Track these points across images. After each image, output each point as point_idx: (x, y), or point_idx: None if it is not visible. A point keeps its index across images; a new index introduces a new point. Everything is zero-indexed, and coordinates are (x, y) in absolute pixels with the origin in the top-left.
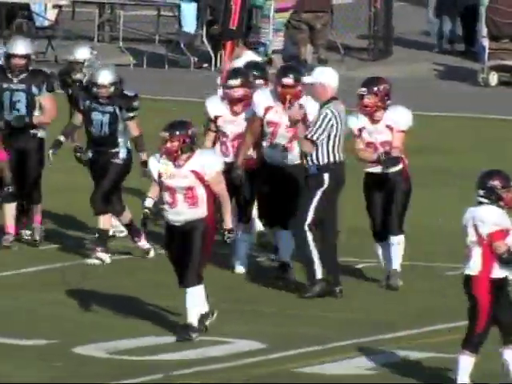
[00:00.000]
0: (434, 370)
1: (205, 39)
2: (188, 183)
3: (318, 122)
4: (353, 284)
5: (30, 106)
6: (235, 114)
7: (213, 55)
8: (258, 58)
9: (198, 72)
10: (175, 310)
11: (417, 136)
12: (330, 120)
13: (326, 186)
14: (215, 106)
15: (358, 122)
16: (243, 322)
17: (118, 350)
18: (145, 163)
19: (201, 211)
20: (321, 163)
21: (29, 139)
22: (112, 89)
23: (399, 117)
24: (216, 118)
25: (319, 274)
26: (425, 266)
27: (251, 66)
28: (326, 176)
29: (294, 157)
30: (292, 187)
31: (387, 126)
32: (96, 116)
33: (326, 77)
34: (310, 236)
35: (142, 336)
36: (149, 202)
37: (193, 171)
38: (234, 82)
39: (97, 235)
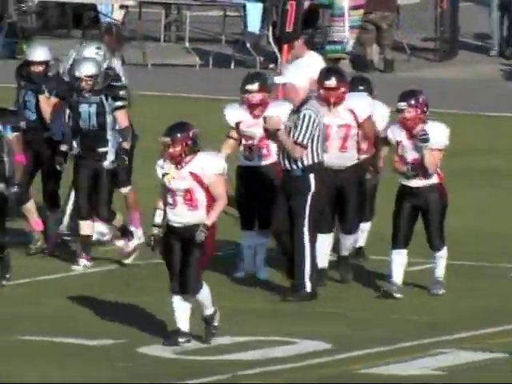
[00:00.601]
0: (499, 372)
1: (271, 39)
2: (186, 185)
3: (304, 125)
4: (417, 286)
5: None
6: (256, 117)
7: (279, 55)
8: (320, 58)
9: (264, 72)
10: (233, 311)
11: (481, 137)
12: (314, 121)
13: (313, 188)
14: (234, 112)
15: (397, 134)
16: (307, 322)
17: (184, 351)
18: (125, 151)
19: (200, 214)
20: (305, 164)
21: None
22: (93, 81)
23: (437, 136)
24: (237, 124)
25: (308, 280)
26: (483, 266)
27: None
28: (312, 177)
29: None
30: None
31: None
32: (83, 108)
33: (297, 77)
34: (307, 246)
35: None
36: (158, 217)
37: (191, 173)
38: (252, 87)
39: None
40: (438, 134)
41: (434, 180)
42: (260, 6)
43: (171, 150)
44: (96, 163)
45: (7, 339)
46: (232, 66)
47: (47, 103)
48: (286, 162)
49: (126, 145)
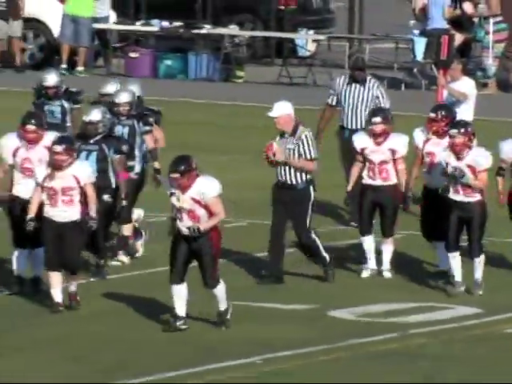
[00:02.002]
0: None
1: (433, 66)
2: (189, 206)
3: (310, 142)
4: None
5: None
6: (378, 144)
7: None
8: (471, 82)
9: (428, 92)
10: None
11: None
12: (313, 139)
13: (312, 198)
14: (360, 139)
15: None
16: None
17: (365, 313)
18: (158, 171)
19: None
20: (308, 178)
21: None
22: (129, 107)
23: (480, 158)
24: (362, 149)
25: (328, 260)
26: None
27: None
28: (311, 188)
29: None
30: None
31: (468, 166)
32: (117, 129)
33: (289, 108)
34: (316, 239)
35: (388, 302)
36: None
37: (192, 198)
38: (376, 120)
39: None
40: (482, 157)
41: (478, 196)
42: (424, 39)
43: (181, 181)
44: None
45: (238, 305)
46: (402, 88)
47: (150, 136)
48: (289, 178)
49: (157, 165)
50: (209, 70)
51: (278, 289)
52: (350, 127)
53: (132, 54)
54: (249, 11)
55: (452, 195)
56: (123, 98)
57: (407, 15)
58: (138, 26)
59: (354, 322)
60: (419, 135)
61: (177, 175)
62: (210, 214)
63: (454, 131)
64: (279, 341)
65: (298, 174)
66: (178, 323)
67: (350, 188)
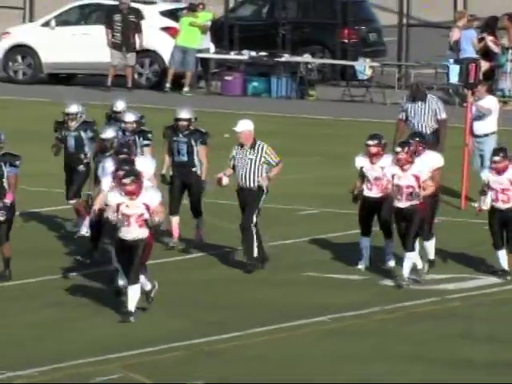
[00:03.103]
0: None
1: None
2: (140, 211)
3: (270, 152)
4: None
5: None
6: (373, 163)
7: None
8: (494, 99)
9: (460, 108)
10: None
11: None
12: (271, 148)
13: (264, 195)
14: (360, 160)
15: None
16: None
17: (407, 283)
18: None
19: (143, 231)
20: (266, 183)
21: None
22: (134, 124)
23: (423, 168)
24: (361, 168)
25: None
26: None
27: None
28: (264, 190)
29: None
30: None
31: (413, 176)
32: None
33: (250, 125)
34: (254, 231)
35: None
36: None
37: (144, 203)
38: (371, 142)
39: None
40: (423, 167)
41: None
42: (457, 66)
43: (130, 188)
44: (189, 176)
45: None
46: None
47: (148, 149)
48: (249, 184)
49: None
50: (287, 89)
51: (337, 264)
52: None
53: (227, 77)
54: (319, 43)
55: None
56: (129, 117)
57: (444, 47)
58: (231, 56)
59: (402, 289)
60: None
61: (128, 181)
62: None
63: (398, 149)
64: (343, 303)
65: (255, 180)
66: (131, 318)
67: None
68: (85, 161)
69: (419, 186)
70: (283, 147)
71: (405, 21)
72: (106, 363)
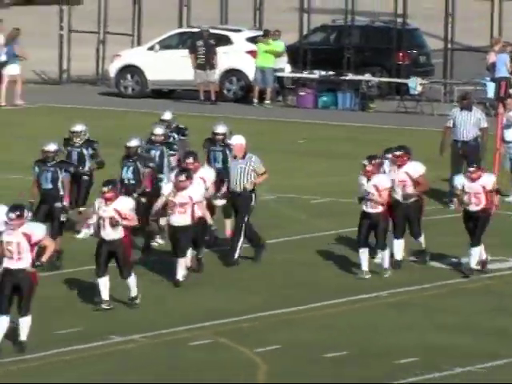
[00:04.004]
0: None
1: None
2: (111, 215)
3: (258, 162)
4: None
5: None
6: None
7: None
8: None
9: (496, 119)
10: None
11: None
12: (259, 160)
13: (253, 201)
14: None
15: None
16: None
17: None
18: None
19: (120, 232)
20: (251, 189)
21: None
22: (162, 137)
23: (383, 181)
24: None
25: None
26: None
27: None
28: (254, 196)
29: None
30: None
31: (374, 186)
32: (152, 152)
33: (242, 140)
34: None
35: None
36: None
37: (115, 209)
38: (367, 162)
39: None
40: (383, 181)
41: (381, 208)
42: (493, 84)
43: (108, 194)
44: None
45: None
46: None
47: (174, 158)
48: (238, 187)
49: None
50: (351, 103)
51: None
52: (461, 139)
53: (301, 93)
54: (378, 65)
55: (364, 208)
56: (158, 131)
57: (482, 67)
58: (304, 74)
59: (445, 270)
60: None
61: (106, 189)
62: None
63: (365, 161)
64: (397, 281)
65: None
66: (103, 305)
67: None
68: (87, 172)
69: (379, 195)
70: (347, 151)
71: (449, 46)
72: (199, 330)
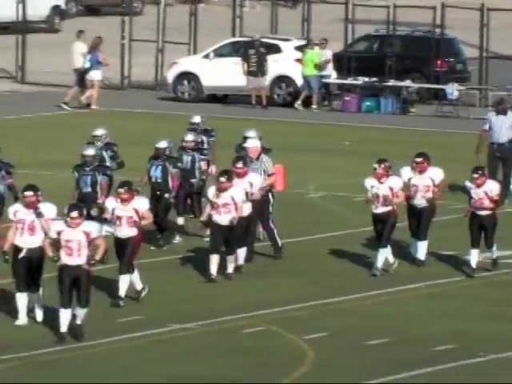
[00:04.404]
0: None
1: None
2: (130, 214)
3: (269, 163)
4: None
5: None
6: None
7: None
8: None
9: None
10: None
11: None
12: (270, 161)
13: (272, 200)
14: (406, 172)
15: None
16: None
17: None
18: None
19: (134, 231)
20: (261, 194)
21: None
22: (193, 144)
23: (397, 182)
24: (409, 179)
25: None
26: None
27: None
28: (270, 194)
29: None
30: None
31: (389, 188)
32: (184, 158)
33: (257, 143)
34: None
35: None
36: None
37: (133, 208)
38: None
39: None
40: (397, 182)
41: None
42: None
43: (125, 196)
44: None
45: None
46: None
47: (204, 162)
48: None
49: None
50: (393, 107)
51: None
52: (497, 142)
53: (346, 98)
54: (417, 71)
55: (374, 209)
56: (188, 137)
57: None
58: (349, 81)
59: (479, 263)
60: (407, 172)
61: (122, 190)
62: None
63: (375, 165)
64: (435, 273)
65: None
66: (119, 301)
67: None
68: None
69: (393, 195)
70: (389, 152)
71: (484, 54)
72: (251, 319)
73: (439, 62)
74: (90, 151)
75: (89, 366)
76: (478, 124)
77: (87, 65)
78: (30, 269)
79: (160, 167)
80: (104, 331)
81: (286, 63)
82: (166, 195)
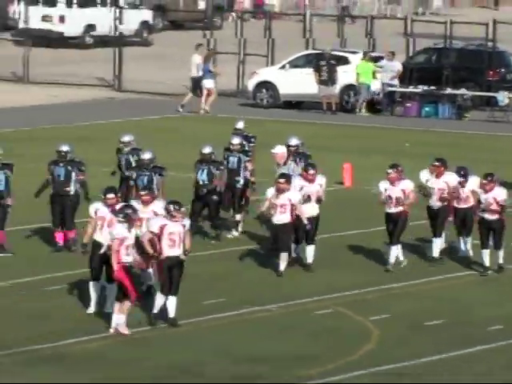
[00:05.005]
0: None
1: None
2: (149, 215)
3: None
4: None
5: None
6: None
7: None
8: None
9: None
10: None
11: None
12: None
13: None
14: (424, 174)
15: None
16: None
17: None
18: (253, 183)
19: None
20: None
21: None
22: (239, 146)
23: (409, 185)
24: (426, 180)
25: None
26: None
27: None
28: None
29: None
30: None
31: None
32: (231, 159)
33: (283, 149)
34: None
35: None
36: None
37: (153, 211)
38: (390, 170)
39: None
40: (408, 184)
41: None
42: None
43: (145, 198)
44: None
45: None
46: None
47: (250, 163)
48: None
49: (253, 179)
50: (449, 113)
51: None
52: None
53: (407, 104)
54: (471, 81)
55: (388, 210)
56: (236, 141)
57: None
58: (410, 89)
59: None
60: (425, 175)
61: (144, 192)
62: None
63: (389, 170)
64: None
65: None
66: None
67: None
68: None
69: (407, 196)
70: (445, 154)
71: None
72: (322, 302)
73: (491, 72)
74: (147, 155)
75: (180, 343)
76: None
77: (200, 73)
78: (107, 262)
79: (206, 170)
80: (191, 312)
81: (353, 73)
82: (214, 197)
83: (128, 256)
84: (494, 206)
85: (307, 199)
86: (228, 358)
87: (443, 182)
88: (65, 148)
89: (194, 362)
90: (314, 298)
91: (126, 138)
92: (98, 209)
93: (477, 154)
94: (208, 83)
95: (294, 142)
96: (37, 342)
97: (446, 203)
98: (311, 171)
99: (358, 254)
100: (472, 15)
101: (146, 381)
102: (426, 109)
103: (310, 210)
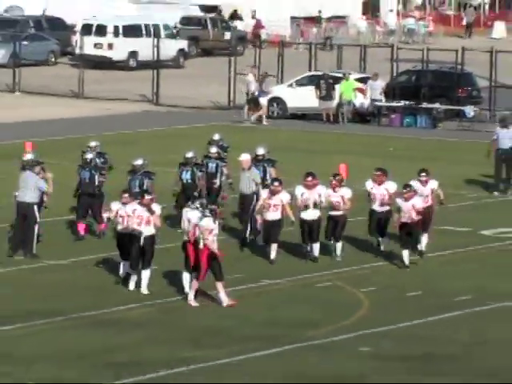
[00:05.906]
0: None
1: None
2: (147, 214)
3: (257, 173)
4: None
5: None
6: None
7: None
8: None
9: None
10: None
11: None
12: (257, 172)
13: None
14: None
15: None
16: None
17: (497, 232)
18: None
19: (151, 230)
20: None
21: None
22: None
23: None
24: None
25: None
26: None
27: None
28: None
29: None
30: None
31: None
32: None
33: (249, 156)
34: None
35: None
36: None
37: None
38: (378, 173)
39: None
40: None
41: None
42: None
43: (147, 199)
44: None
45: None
46: None
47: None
48: (249, 192)
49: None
50: (426, 123)
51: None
52: (501, 148)
53: (392, 116)
54: (444, 97)
55: (374, 207)
56: (214, 150)
57: None
58: (394, 103)
59: (491, 237)
60: (369, 183)
61: (149, 197)
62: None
63: (376, 172)
64: (454, 244)
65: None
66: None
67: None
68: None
69: (390, 196)
70: (424, 156)
71: (493, 84)
72: (322, 277)
73: (460, 90)
74: (190, 154)
75: (207, 311)
76: (488, 135)
77: (256, 93)
78: (143, 251)
79: (189, 172)
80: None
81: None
82: (195, 193)
83: (214, 243)
84: (414, 214)
85: (305, 208)
86: (248, 322)
87: (384, 189)
88: (89, 156)
89: (220, 326)
90: (317, 273)
91: (93, 143)
92: (135, 209)
93: (448, 156)
94: (262, 100)
95: (260, 151)
96: (94, 308)
97: (388, 208)
98: (309, 178)
99: (355, 233)
100: (446, 43)
101: (185, 339)
102: (407, 120)
103: (311, 214)
